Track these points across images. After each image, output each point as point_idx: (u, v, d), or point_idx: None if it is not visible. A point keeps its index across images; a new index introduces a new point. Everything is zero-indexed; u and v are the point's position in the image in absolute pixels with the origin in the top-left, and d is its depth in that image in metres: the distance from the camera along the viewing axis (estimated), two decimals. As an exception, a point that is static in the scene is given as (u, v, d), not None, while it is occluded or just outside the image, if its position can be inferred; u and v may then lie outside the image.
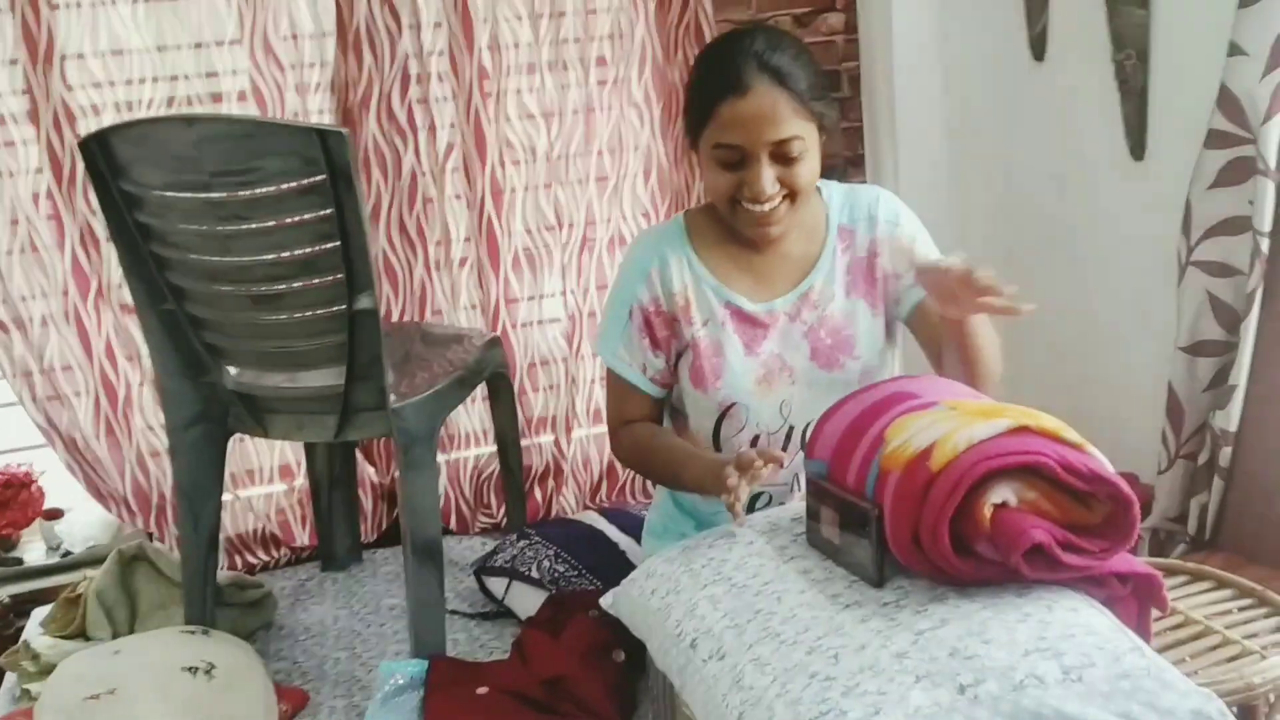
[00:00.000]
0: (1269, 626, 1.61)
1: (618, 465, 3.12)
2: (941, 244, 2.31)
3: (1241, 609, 1.66)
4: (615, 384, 1.93)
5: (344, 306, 2.08)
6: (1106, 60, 2.50)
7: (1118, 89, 2.49)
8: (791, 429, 1.86)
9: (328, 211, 1.99)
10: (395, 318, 2.93)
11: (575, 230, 3.00)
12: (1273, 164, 2.02)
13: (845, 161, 3.17)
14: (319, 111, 2.81)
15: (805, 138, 1.71)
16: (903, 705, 1.15)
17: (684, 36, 2.93)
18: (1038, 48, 2.76)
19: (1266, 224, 2.05)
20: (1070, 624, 1.23)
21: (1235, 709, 1.48)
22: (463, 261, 2.98)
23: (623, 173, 3.00)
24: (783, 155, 1.70)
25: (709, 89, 1.71)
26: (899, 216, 1.89)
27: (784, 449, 1.82)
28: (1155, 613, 1.41)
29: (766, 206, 1.73)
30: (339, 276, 2.05)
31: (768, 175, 1.70)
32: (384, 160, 2.84)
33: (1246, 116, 2.05)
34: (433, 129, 2.87)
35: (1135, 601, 1.38)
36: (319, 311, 2.11)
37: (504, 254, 2.96)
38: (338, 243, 2.02)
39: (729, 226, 1.83)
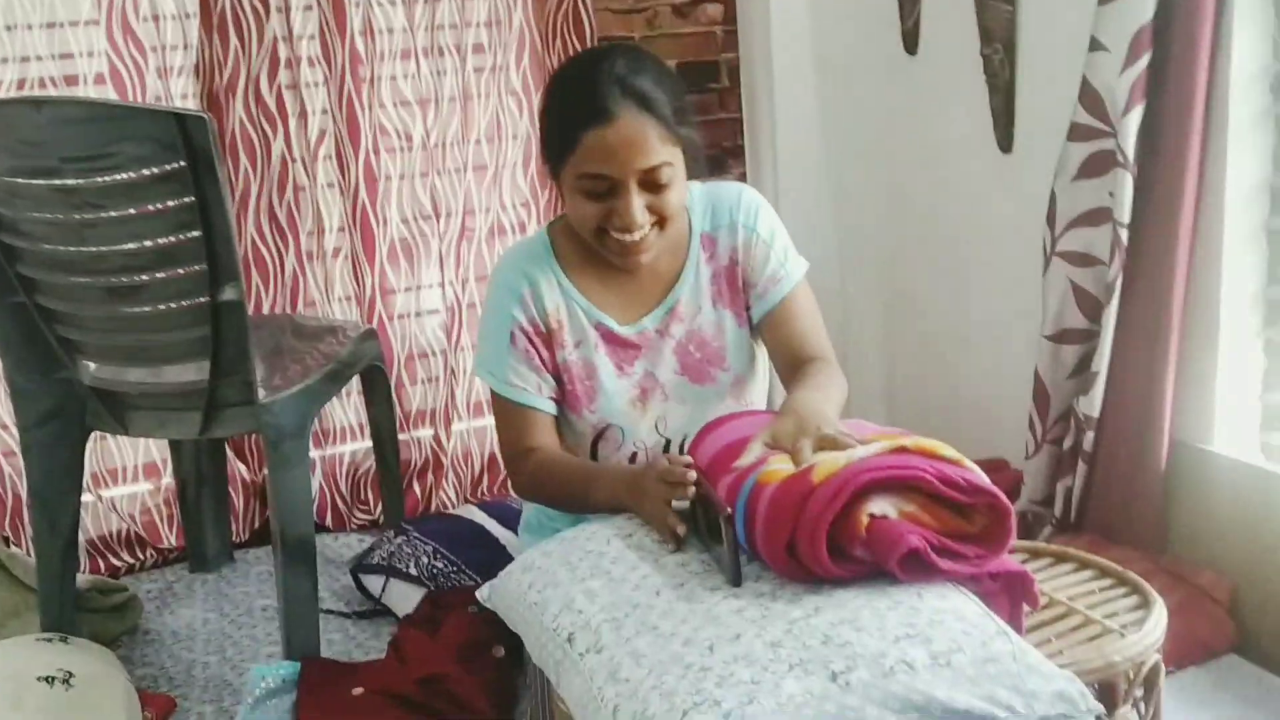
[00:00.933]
0: (1128, 605, 1.66)
1: (498, 458, 3.09)
2: (821, 237, 2.33)
3: (1103, 589, 1.71)
4: (510, 412, 1.81)
5: (208, 298, 2.00)
6: (975, 54, 2.56)
7: (986, 83, 2.55)
8: (668, 441, 1.84)
9: (188, 199, 1.92)
10: (266, 310, 2.84)
11: (453, 220, 2.95)
12: (1131, 157, 2.08)
13: (724, 152, 3.19)
14: (182, 96, 2.71)
15: (674, 163, 1.65)
16: (776, 694, 1.15)
17: (563, 24, 2.91)
18: (910, 41, 2.81)
19: (1126, 215, 2.12)
20: (939, 611, 1.25)
21: (1096, 687, 1.52)
22: (336, 252, 2.91)
23: (502, 161, 2.96)
24: (651, 183, 1.64)
25: (571, 117, 1.63)
26: (757, 220, 1.83)
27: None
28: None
29: (637, 235, 1.67)
30: (202, 267, 1.98)
31: (637, 204, 1.64)
32: (252, 147, 2.75)
33: (1107, 110, 2.11)
34: (304, 115, 2.79)
35: (1007, 596, 1.40)
36: (181, 303, 2.03)
37: (380, 244, 2.90)
38: (199, 232, 1.95)
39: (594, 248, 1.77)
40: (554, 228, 1.85)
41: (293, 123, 2.79)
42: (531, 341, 1.78)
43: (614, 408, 1.79)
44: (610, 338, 1.79)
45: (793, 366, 1.75)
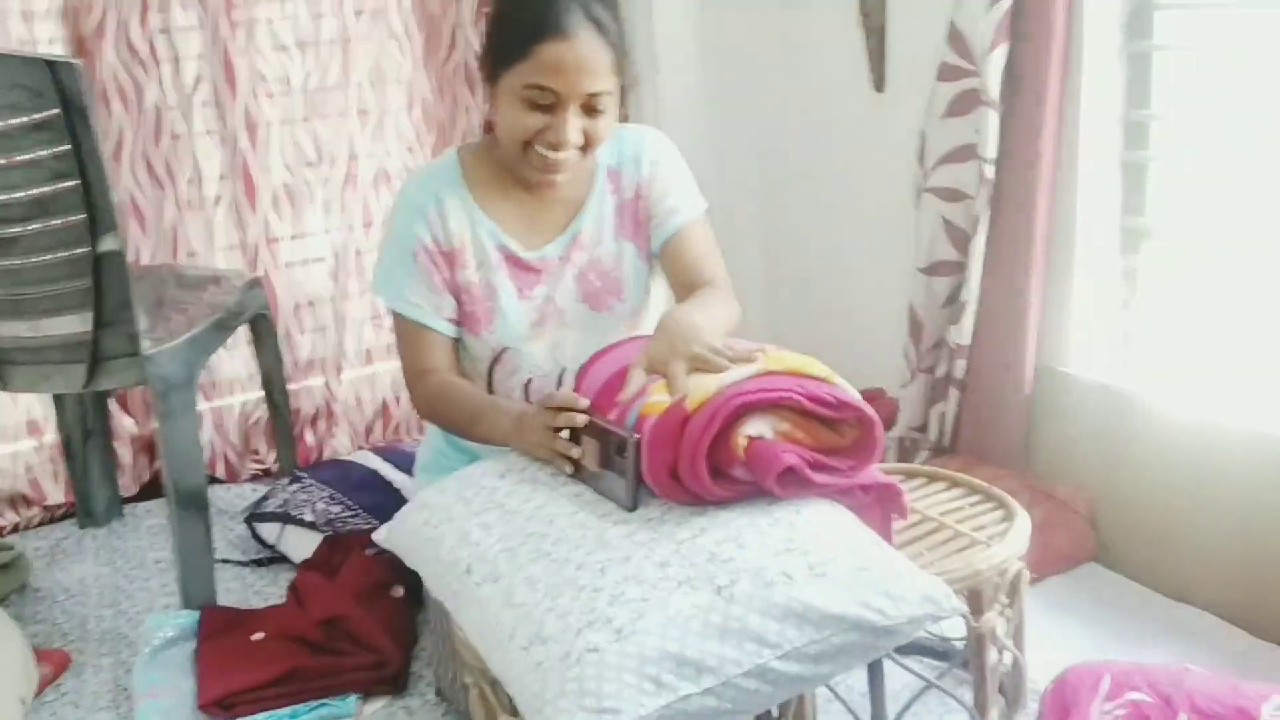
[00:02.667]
0: (995, 519, 1.76)
1: (390, 404, 3.10)
2: (702, 176, 2.39)
3: (972, 505, 1.81)
4: (409, 331, 1.82)
5: (87, 249, 1.98)
6: (850, -3, 2.62)
7: (861, 25, 2.62)
8: (564, 369, 1.86)
9: (63, 148, 1.89)
10: (146, 261, 2.80)
11: (338, 166, 2.93)
12: (995, 95, 2.18)
13: (608, 95, 3.21)
14: (49, 41, 2.64)
15: (613, 94, 1.69)
16: (664, 608, 1.22)
17: (442, -34, 2.89)
18: (787, -16, 2.87)
19: (991, 152, 2.22)
20: (816, 525, 1.33)
21: (965, 593, 1.63)
22: (217, 200, 2.87)
23: (385, 106, 2.94)
24: (591, 107, 1.66)
25: (527, 25, 1.64)
26: (661, 158, 1.87)
27: (556, 388, 1.81)
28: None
29: (563, 154, 1.69)
30: (80, 217, 1.95)
31: (574, 124, 1.66)
32: (124, 94, 2.69)
33: (972, 51, 2.20)
34: (177, 60, 2.74)
35: (879, 509, 1.49)
36: (59, 255, 2.00)
37: (262, 192, 2.86)
38: (76, 181, 1.92)
39: (503, 166, 1.80)
40: (462, 150, 1.86)
41: (166, 68, 2.73)
42: (434, 260, 1.78)
43: (512, 330, 1.81)
44: (513, 260, 1.81)
45: (687, 293, 1.80)
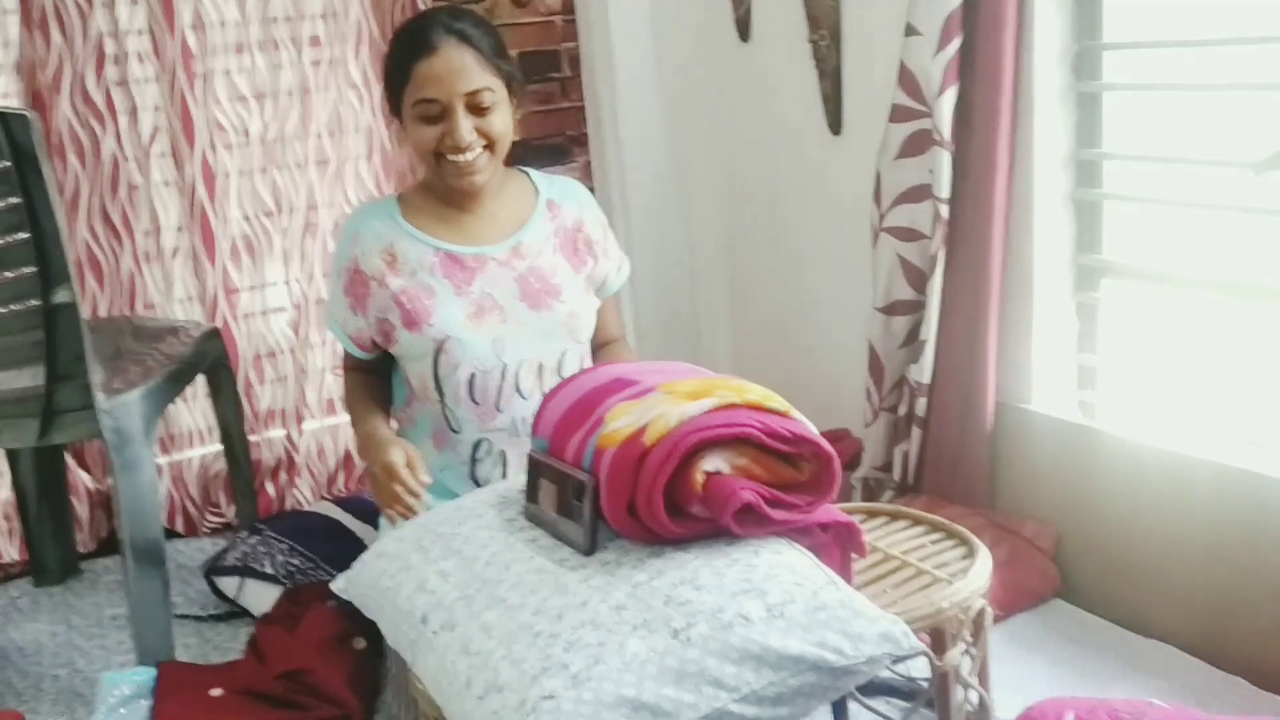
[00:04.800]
0: (956, 556, 1.76)
1: (354, 454, 3.07)
2: (666, 216, 2.48)
3: (934, 542, 1.81)
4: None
5: (39, 301, 1.96)
6: (804, 41, 2.66)
7: (815, 67, 2.65)
8: (505, 367, 1.95)
9: (14, 200, 1.87)
10: (103, 313, 2.77)
11: (297, 215, 2.92)
12: (947, 135, 2.20)
13: (569, 140, 3.23)
14: (4, 94, 2.63)
15: (495, 90, 1.89)
16: (621, 653, 1.20)
17: (400, 15, 2.90)
18: (743, 29, 2.90)
19: (945, 191, 2.24)
20: (773, 565, 1.32)
21: (929, 632, 1.62)
22: (175, 251, 2.86)
23: (344, 155, 2.95)
24: (476, 105, 1.87)
25: (403, 55, 1.89)
26: (593, 205, 2.11)
27: (499, 386, 1.95)
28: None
29: (469, 155, 1.88)
30: (32, 270, 1.93)
31: (465, 124, 1.86)
32: (80, 145, 2.68)
33: (923, 91, 2.22)
34: (134, 112, 2.73)
35: (838, 547, 1.48)
36: (12, 307, 1.98)
37: (220, 242, 2.85)
38: (28, 234, 1.90)
39: (440, 195, 1.98)
40: (402, 192, 2.07)
41: (123, 120, 2.72)
42: (354, 281, 1.96)
43: (451, 320, 1.92)
44: (451, 259, 1.95)
45: (603, 341, 2.12)
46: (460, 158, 1.88)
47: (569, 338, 1.99)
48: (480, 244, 1.98)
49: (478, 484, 1.96)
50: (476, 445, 1.97)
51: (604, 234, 2.09)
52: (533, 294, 1.97)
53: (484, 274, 1.96)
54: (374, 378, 2.06)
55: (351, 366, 2.07)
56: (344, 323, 2.00)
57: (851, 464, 2.57)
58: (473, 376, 1.94)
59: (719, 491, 1.32)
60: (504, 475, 1.97)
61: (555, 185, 2.08)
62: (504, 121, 1.92)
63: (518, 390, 1.95)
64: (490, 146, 1.91)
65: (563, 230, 2.03)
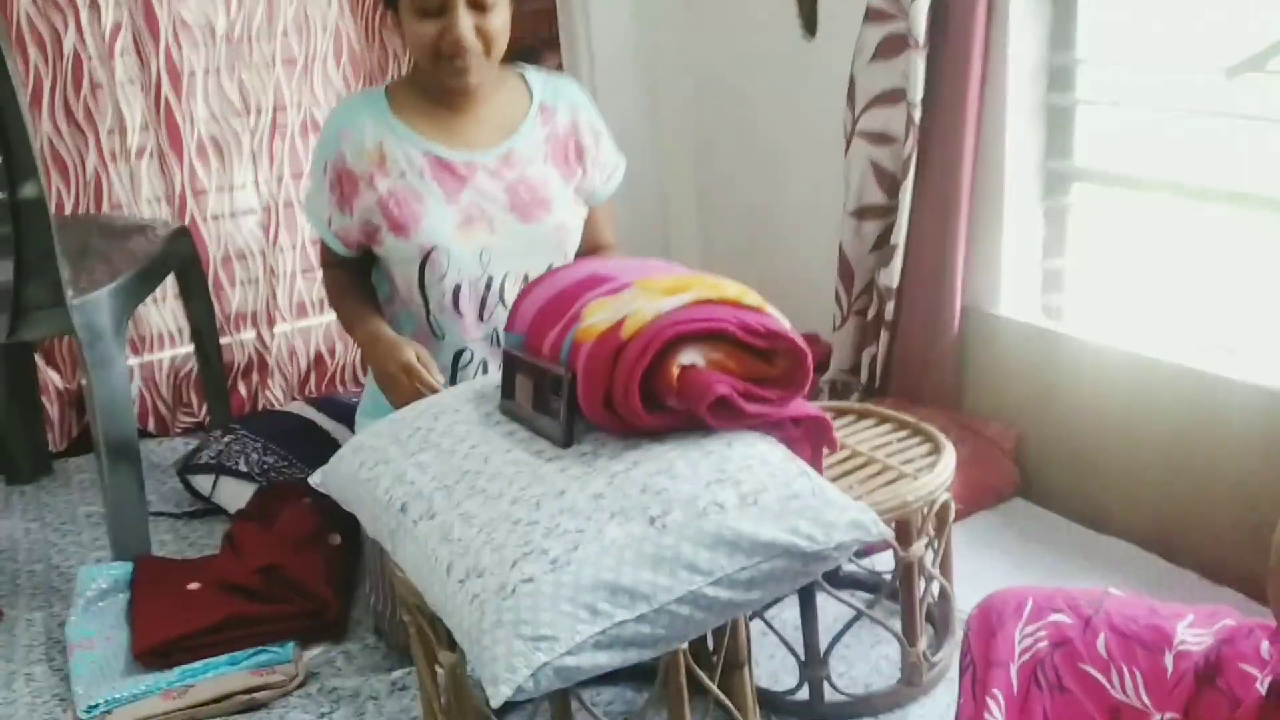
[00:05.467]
0: (922, 453, 1.81)
1: (325, 356, 3.08)
2: (637, 123, 2.43)
3: (900, 440, 1.86)
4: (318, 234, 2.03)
5: (5, 196, 1.93)
6: (780, -60, 2.62)
7: (790, -31, 2.62)
8: (491, 279, 1.92)
9: (-24, 92, 1.84)
10: (69, 212, 2.74)
11: (264, 115, 2.88)
12: (922, 39, 2.20)
13: (539, 42, 3.19)
14: (-41, -15, 2.55)
15: None
16: (599, 539, 1.23)
17: (367, -90, 2.84)
18: (717, -72, 2.86)
19: (918, 95, 2.24)
20: (747, 457, 1.35)
21: (894, 523, 1.67)
22: (141, 151, 2.81)
23: (311, 54, 2.90)
24: (478, 4, 1.80)
25: None
26: (587, 106, 2.02)
27: (484, 297, 1.92)
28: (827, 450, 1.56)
29: (468, 56, 1.82)
30: (-4, 163, 1.90)
31: (465, 22, 1.79)
32: (41, 40, 2.62)
33: (899, -7, 2.21)
34: (95, 6, 2.67)
35: (809, 442, 1.51)
36: (-24, 202, 1.95)
37: (187, 141, 2.82)
38: (-9, 127, 1.87)
39: (430, 94, 1.91)
40: (391, 84, 1.99)
41: (85, 14, 2.66)
42: (340, 178, 1.90)
43: (439, 229, 1.88)
44: (439, 164, 1.90)
45: (591, 248, 2.05)
46: (458, 60, 1.82)
47: (556, 250, 1.95)
48: (470, 149, 1.92)
49: None
50: (459, 354, 1.95)
51: (595, 141, 2.01)
52: (522, 205, 1.93)
53: (474, 182, 1.91)
54: (359, 275, 2.01)
55: (333, 263, 2.01)
56: (329, 220, 1.94)
57: (820, 367, 2.60)
58: (458, 286, 1.91)
59: (694, 384, 1.34)
60: None
61: (550, 86, 2.00)
62: (503, 22, 1.85)
63: (502, 301, 1.92)
64: (488, 47, 1.84)
65: (554, 137, 1.97)
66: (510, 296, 1.90)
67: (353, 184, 1.89)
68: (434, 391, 1.73)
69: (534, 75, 2.01)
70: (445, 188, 1.90)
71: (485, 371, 1.97)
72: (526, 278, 1.90)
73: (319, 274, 3.01)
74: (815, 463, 1.49)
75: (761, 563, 1.25)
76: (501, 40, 1.86)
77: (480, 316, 1.94)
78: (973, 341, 2.38)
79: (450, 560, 1.30)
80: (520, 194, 1.93)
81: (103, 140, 2.75)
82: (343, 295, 1.99)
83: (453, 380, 1.97)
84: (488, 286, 1.92)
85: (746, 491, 1.29)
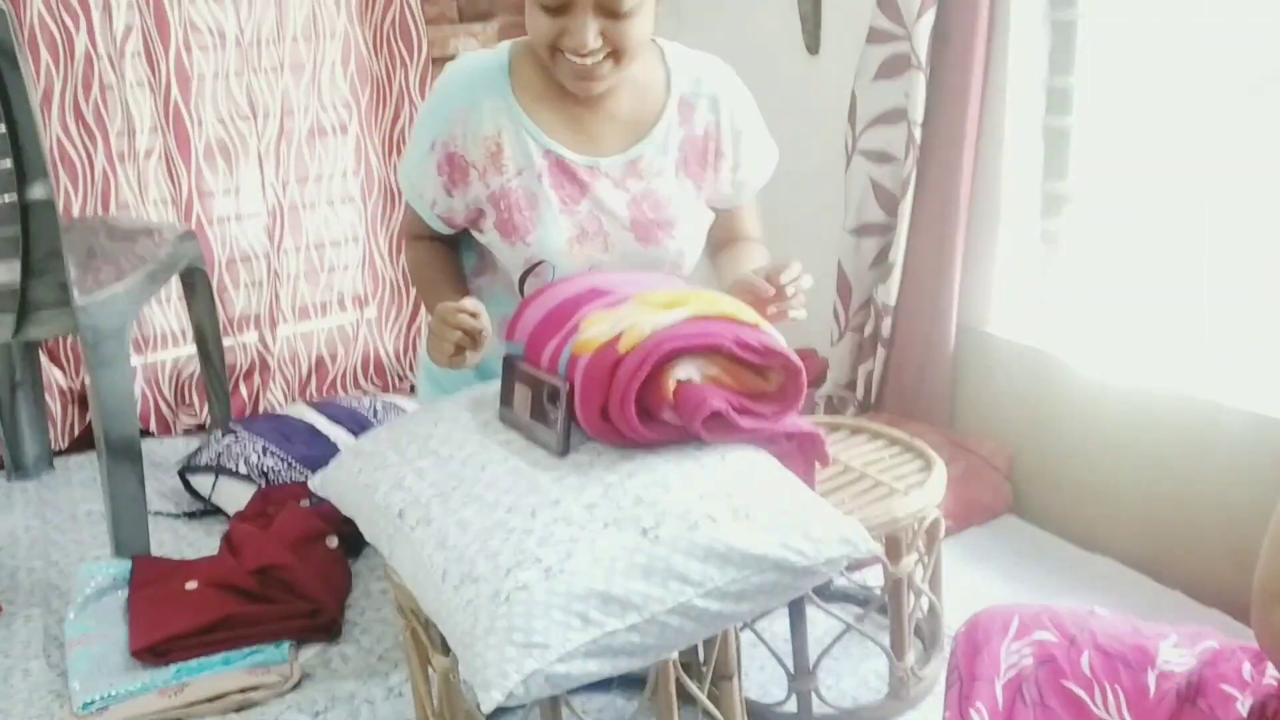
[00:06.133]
0: (914, 469, 1.83)
1: (326, 360, 3.10)
2: None
3: (892, 456, 1.88)
4: (407, 205, 1.78)
5: (14, 196, 1.95)
6: (785, -41, 2.65)
7: (795, -13, 2.65)
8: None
9: (-11, 93, 1.86)
10: (76, 213, 2.76)
11: (272, 120, 2.91)
12: (924, 59, 2.22)
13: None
14: (-27, -14, 2.58)
15: None
16: (592, 549, 1.25)
17: (378, -80, 2.87)
18: (724, -55, 2.89)
19: (919, 115, 2.27)
20: (740, 471, 1.37)
21: (884, 539, 1.69)
22: (149, 153, 2.84)
23: (320, 59, 2.92)
24: (610, 9, 1.51)
25: None
26: (740, 105, 1.73)
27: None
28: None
29: (588, 60, 1.54)
30: (6, 164, 1.93)
31: (591, 27, 1.51)
32: (54, 41, 2.65)
33: (901, 14, 2.24)
34: (108, 9, 2.70)
35: (802, 456, 1.53)
36: (-13, 202, 1.98)
37: (195, 144, 2.84)
38: (2, 128, 1.89)
39: (554, 78, 1.63)
40: (517, 47, 1.69)
41: (96, 16, 2.69)
42: (451, 160, 1.66)
43: (550, 243, 1.65)
44: (560, 167, 1.65)
45: (726, 241, 1.80)
46: (579, 60, 1.54)
47: (671, 275, 1.70)
48: (595, 150, 1.66)
49: None
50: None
51: (734, 144, 1.71)
52: (644, 224, 1.67)
53: (594, 191, 1.66)
54: (450, 250, 1.77)
55: (424, 235, 1.76)
56: (433, 201, 1.69)
57: (816, 382, 2.63)
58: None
59: (690, 399, 1.36)
60: None
61: (692, 75, 1.69)
62: (641, 29, 1.55)
63: None
64: (616, 55, 1.55)
65: (691, 140, 1.69)
66: None
67: (464, 171, 1.65)
68: (474, 331, 1.51)
69: (675, 56, 1.70)
70: (563, 194, 1.65)
71: None
72: None
73: (323, 277, 3.08)
74: (808, 477, 1.51)
75: (752, 576, 1.27)
76: (636, 49, 1.57)
77: None
78: (968, 360, 2.41)
79: (445, 566, 1.33)
80: (643, 210, 1.68)
81: (112, 141, 2.78)
82: (429, 271, 1.74)
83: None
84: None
85: (738, 505, 1.31)
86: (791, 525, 1.31)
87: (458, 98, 1.64)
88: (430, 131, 1.66)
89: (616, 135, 1.67)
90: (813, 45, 2.66)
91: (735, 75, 1.74)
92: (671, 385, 1.36)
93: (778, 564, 1.28)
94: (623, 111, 1.66)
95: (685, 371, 1.37)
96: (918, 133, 2.28)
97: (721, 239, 1.79)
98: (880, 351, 2.48)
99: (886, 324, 2.44)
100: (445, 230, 1.74)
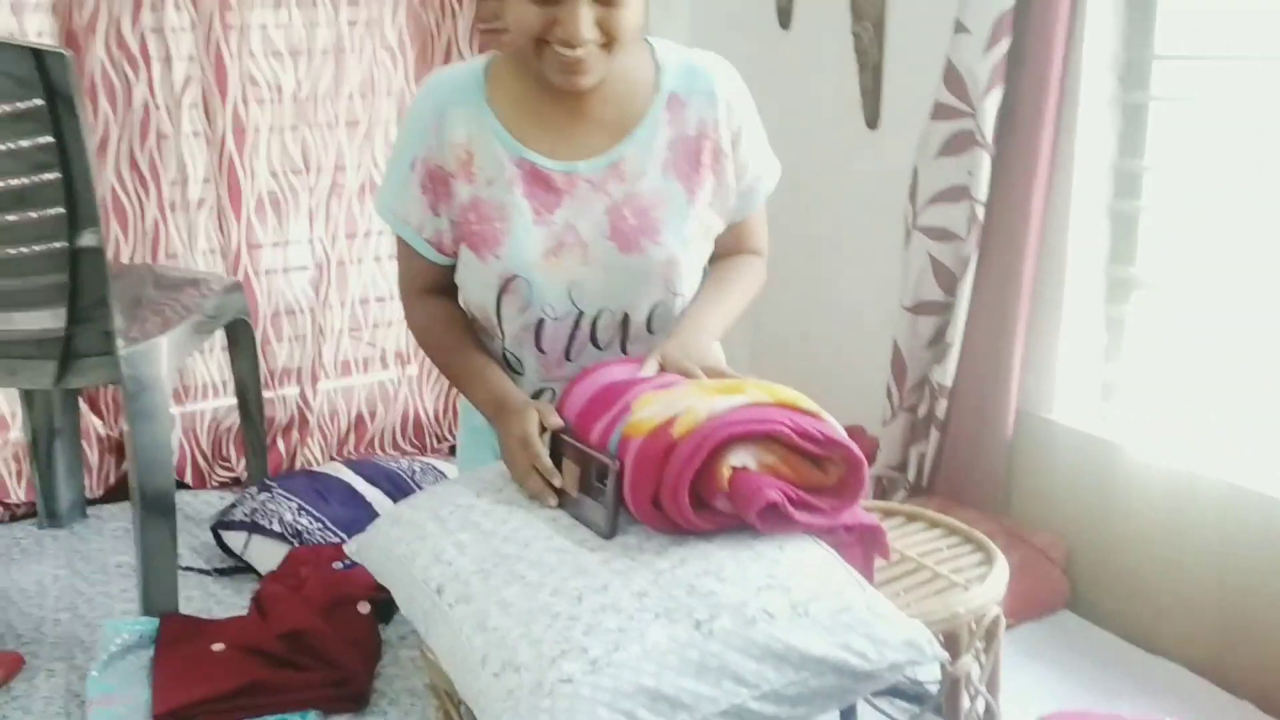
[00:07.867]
0: (973, 562, 1.75)
1: (366, 417, 3.07)
2: None
3: (950, 547, 1.80)
4: (400, 246, 1.67)
5: (65, 243, 1.94)
6: (846, 31, 2.63)
7: (856, 60, 2.62)
8: (581, 315, 1.61)
9: (45, 140, 1.86)
10: (125, 260, 2.76)
11: (324, 175, 2.90)
12: (989, 137, 2.18)
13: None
14: (38, 34, 2.61)
15: None
16: (641, 641, 1.19)
17: (438, -22, 2.88)
18: (784, 16, 2.87)
19: (983, 193, 2.22)
20: (798, 563, 1.31)
21: (942, 636, 1.61)
22: (201, 203, 2.84)
23: (374, 117, 2.93)
24: None
25: None
26: (738, 102, 1.63)
27: (571, 335, 1.62)
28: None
29: (580, 52, 1.45)
30: (59, 211, 1.92)
31: (586, 15, 1.43)
32: (113, 90, 2.66)
33: (968, 91, 2.20)
34: (168, 60, 2.71)
35: (861, 548, 1.47)
36: (36, 248, 1.96)
37: (247, 196, 2.84)
38: (58, 174, 1.89)
39: (535, 78, 1.54)
40: (496, 57, 1.62)
41: (156, 68, 2.70)
42: (432, 176, 1.58)
43: (523, 257, 1.56)
44: (533, 175, 1.56)
45: (722, 254, 1.70)
46: (568, 52, 1.45)
47: (663, 288, 1.59)
48: (573, 155, 1.56)
49: None
50: (539, 394, 1.65)
51: (732, 146, 1.60)
52: (625, 232, 1.57)
53: (571, 198, 1.56)
54: (457, 308, 1.67)
55: (424, 290, 1.66)
56: (420, 225, 1.60)
57: (867, 461, 2.56)
58: (541, 322, 1.60)
59: (745, 488, 1.30)
60: None
61: (684, 68, 1.59)
62: (634, 15, 1.46)
63: (593, 341, 1.61)
64: (608, 45, 1.46)
65: (682, 140, 1.58)
66: (603, 336, 1.62)
67: (444, 182, 1.57)
68: (551, 479, 1.47)
69: (667, 52, 1.60)
70: (535, 203, 1.56)
71: None
72: (626, 318, 1.61)
73: (366, 333, 3.05)
74: (866, 570, 1.44)
75: (810, 678, 1.20)
76: (629, 36, 1.48)
77: (567, 355, 1.62)
78: (1024, 446, 2.33)
79: (485, 651, 1.26)
80: (625, 217, 1.57)
81: (164, 191, 2.78)
82: (446, 336, 1.65)
83: None
84: (576, 324, 1.61)
85: (797, 600, 1.25)
86: (853, 625, 1.24)
87: (437, 106, 1.57)
88: (409, 150, 1.59)
89: (597, 137, 1.57)
90: (872, 119, 2.62)
91: (735, 73, 1.64)
92: (727, 473, 1.30)
93: (838, 667, 1.21)
94: (606, 112, 1.57)
95: (740, 458, 1.31)
96: (980, 211, 2.22)
97: (717, 252, 1.69)
98: (934, 434, 2.40)
99: (942, 405, 2.37)
100: (440, 260, 1.63)
